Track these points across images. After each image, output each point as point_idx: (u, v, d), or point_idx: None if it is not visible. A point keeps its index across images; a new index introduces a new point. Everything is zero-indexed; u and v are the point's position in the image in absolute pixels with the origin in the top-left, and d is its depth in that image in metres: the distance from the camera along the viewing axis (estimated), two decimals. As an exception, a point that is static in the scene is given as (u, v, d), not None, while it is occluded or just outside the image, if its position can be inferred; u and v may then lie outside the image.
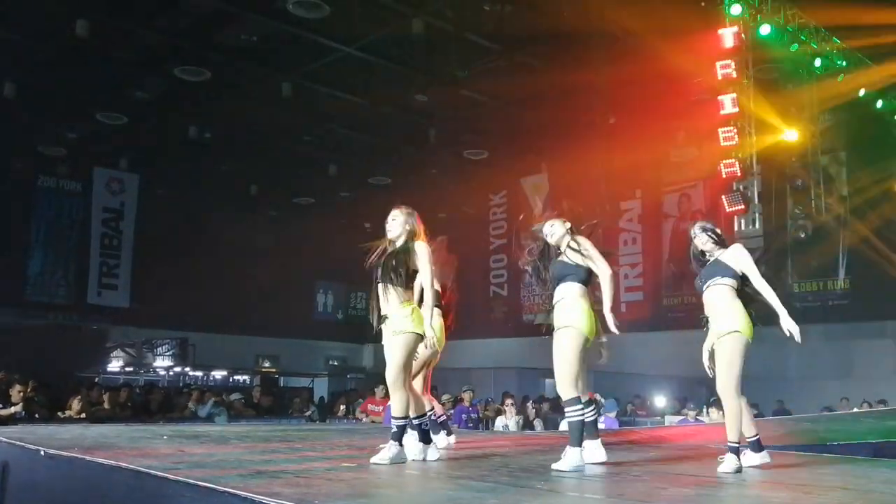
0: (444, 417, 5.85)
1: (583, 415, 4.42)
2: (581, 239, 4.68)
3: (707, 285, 4.57)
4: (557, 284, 4.64)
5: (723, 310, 4.47)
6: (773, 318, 4.50)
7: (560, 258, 4.68)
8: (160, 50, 12.83)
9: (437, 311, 5.52)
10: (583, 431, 4.37)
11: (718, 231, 4.76)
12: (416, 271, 4.62)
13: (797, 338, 4.34)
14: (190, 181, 18.08)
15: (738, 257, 4.55)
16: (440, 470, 4.43)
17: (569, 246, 4.65)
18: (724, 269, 4.54)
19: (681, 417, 11.01)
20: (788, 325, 4.38)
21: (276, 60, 13.34)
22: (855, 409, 11.99)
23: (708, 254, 4.70)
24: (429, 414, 5.59)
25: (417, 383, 5.48)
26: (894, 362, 15.15)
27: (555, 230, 4.78)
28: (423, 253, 4.57)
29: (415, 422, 4.67)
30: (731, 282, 4.50)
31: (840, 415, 10.64)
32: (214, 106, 14.95)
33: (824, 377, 14.45)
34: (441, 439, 5.46)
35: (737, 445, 4.39)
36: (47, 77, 13.30)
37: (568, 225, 4.78)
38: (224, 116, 15.42)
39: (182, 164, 17.31)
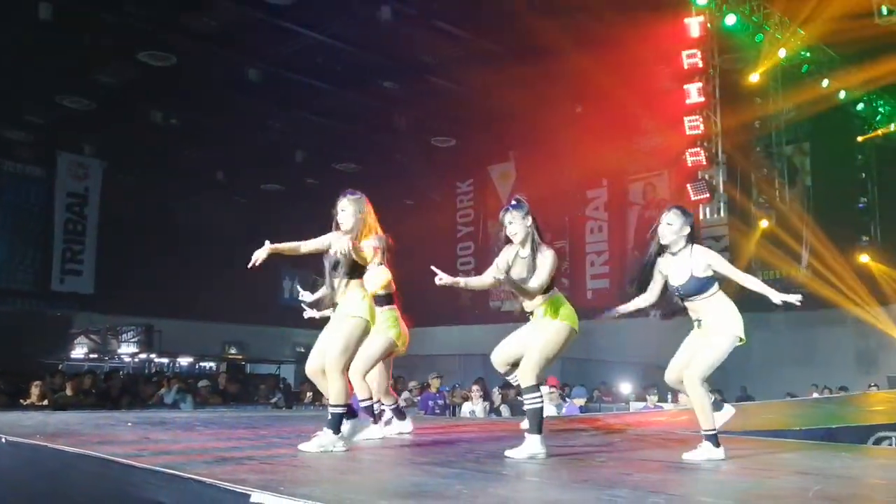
0: (384, 406, 5.72)
1: (541, 401, 4.34)
2: (543, 255, 4.43)
3: (692, 300, 4.38)
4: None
5: (719, 313, 4.33)
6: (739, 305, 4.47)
7: (525, 260, 4.48)
8: (126, 34, 12.61)
9: (387, 308, 5.41)
10: (542, 418, 4.31)
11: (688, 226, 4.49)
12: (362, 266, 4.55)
13: (795, 300, 4.27)
14: (156, 167, 17.85)
15: (711, 264, 4.36)
16: (406, 456, 4.45)
17: (533, 252, 4.46)
18: (704, 283, 4.35)
19: (643, 404, 11.15)
20: (781, 297, 4.28)
21: (244, 46, 13.21)
22: (815, 395, 12.24)
23: (669, 251, 4.45)
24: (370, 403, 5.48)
25: (372, 375, 5.40)
26: (854, 349, 15.48)
27: (515, 227, 4.50)
28: (366, 246, 4.50)
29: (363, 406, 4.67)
30: (717, 288, 4.37)
31: (801, 401, 10.86)
32: (181, 91, 14.75)
33: (786, 364, 14.72)
34: (377, 429, 5.36)
35: (713, 433, 4.29)
36: (10, 61, 13.01)
37: (528, 220, 4.49)
38: (190, 102, 15.24)
39: (148, 150, 17.08)
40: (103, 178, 18.51)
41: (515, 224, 4.49)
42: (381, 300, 5.36)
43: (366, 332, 4.50)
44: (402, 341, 5.46)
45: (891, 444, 5.92)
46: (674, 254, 4.44)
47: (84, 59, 13.35)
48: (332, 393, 4.36)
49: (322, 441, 4.25)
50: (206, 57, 13.51)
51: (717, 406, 4.51)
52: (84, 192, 18.41)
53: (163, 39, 12.77)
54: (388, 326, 5.34)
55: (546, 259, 4.43)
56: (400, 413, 5.61)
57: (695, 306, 4.40)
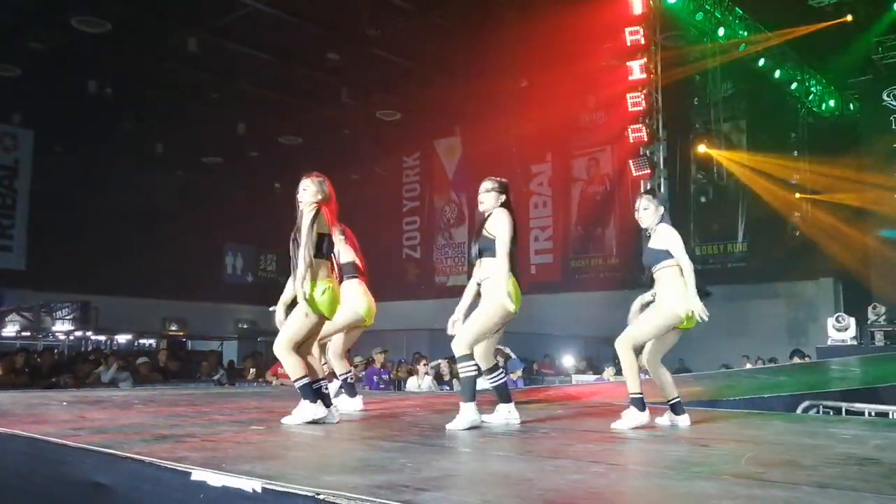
0: (352, 381, 5.81)
1: (479, 373, 4.48)
2: (498, 216, 4.57)
3: (655, 270, 4.67)
4: (480, 257, 4.61)
5: (670, 291, 4.57)
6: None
7: (483, 232, 4.61)
8: (55, -2, 12.17)
9: (356, 281, 5.50)
10: (475, 387, 4.43)
11: (661, 207, 4.81)
12: (325, 240, 4.54)
13: (703, 318, 4.45)
14: (90, 138, 17.28)
15: (666, 238, 4.65)
16: (351, 431, 4.44)
17: (486, 222, 4.60)
18: (661, 255, 4.64)
19: (596, 377, 11.32)
20: (695, 308, 4.47)
21: (182, 14, 12.84)
22: (748, 366, 12.59)
23: (648, 230, 4.76)
24: (346, 377, 5.57)
25: (327, 347, 5.43)
26: (785, 321, 16.00)
27: (486, 199, 4.67)
28: (306, 215, 4.47)
29: (313, 386, 4.65)
30: (673, 262, 4.60)
31: (735, 371, 11.17)
32: (116, 60, 14.29)
33: (722, 336, 15.10)
34: (351, 402, 5.45)
35: (639, 396, 4.49)
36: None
37: (502, 198, 4.64)
38: (126, 71, 14.77)
39: (81, 121, 16.52)
40: (34, 149, 17.91)
41: (485, 197, 4.65)
42: (348, 270, 5.49)
43: (318, 322, 4.55)
44: (369, 313, 5.57)
45: (818, 412, 6.14)
46: (649, 235, 4.78)
47: (11, 23, 12.82)
48: (288, 371, 4.48)
49: (303, 413, 4.38)
50: (142, 24, 13.10)
51: (677, 410, 4.65)
52: (13, 164, 17.80)
53: (96, 5, 12.32)
54: (353, 298, 5.43)
55: (496, 219, 4.56)
56: (351, 389, 5.58)
57: (656, 277, 4.68)
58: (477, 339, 4.49)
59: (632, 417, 4.46)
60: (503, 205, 4.65)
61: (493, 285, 4.51)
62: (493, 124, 16.52)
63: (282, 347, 4.43)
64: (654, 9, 12.36)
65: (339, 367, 5.57)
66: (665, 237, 4.67)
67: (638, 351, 4.65)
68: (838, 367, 9.65)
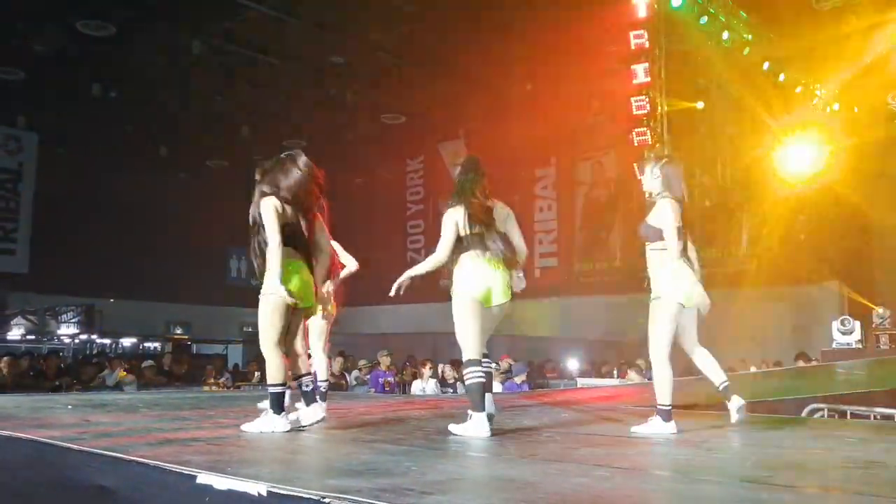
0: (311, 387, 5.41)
1: (479, 376, 4.28)
2: (448, 213, 4.42)
3: (647, 248, 4.54)
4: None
5: (658, 276, 4.44)
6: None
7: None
8: (61, 1, 12.15)
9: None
10: (484, 394, 4.27)
11: (667, 171, 4.61)
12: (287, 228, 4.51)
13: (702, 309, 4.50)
14: (95, 141, 17.31)
15: (657, 214, 4.49)
16: (355, 434, 4.44)
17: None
18: (653, 233, 4.47)
19: (602, 380, 11.31)
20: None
21: (187, 17, 12.86)
22: (753, 369, 12.56)
23: (651, 195, 4.61)
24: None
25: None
26: (790, 325, 15.95)
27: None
28: (265, 209, 4.48)
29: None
30: (662, 244, 4.45)
31: (740, 375, 11.14)
32: (120, 63, 14.30)
33: (726, 340, 15.05)
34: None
35: (666, 408, 4.38)
36: (-65, 28, 12.49)
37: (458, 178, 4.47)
38: (131, 74, 14.78)
39: (86, 124, 16.54)
40: (38, 152, 17.93)
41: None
42: None
43: (282, 304, 4.42)
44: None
45: (823, 416, 6.13)
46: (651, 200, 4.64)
47: (15, 26, 12.84)
48: (267, 373, 4.35)
49: (265, 424, 4.22)
50: (146, 27, 13.12)
51: (724, 392, 4.69)
52: (17, 166, 17.81)
53: (100, 8, 12.34)
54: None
55: (442, 220, 4.46)
56: (310, 396, 4.97)
57: (648, 257, 4.54)
58: (474, 335, 4.30)
59: (655, 425, 4.36)
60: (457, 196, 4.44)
61: (455, 275, 4.46)
62: (497, 127, 16.51)
63: (267, 344, 4.31)
64: (658, 12, 12.36)
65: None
66: (657, 209, 4.48)
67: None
68: (843, 371, 9.63)
